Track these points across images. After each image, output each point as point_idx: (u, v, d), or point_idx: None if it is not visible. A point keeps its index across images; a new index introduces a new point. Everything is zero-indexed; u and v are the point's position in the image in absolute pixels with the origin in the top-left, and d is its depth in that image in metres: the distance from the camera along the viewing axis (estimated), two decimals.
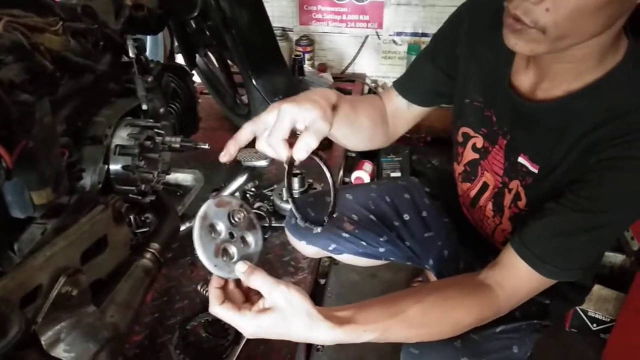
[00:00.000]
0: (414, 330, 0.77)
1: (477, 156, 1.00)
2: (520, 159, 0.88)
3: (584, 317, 1.70)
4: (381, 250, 1.21)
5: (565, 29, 0.66)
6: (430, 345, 0.84)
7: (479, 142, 0.98)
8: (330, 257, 1.33)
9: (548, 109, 0.81)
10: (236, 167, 1.56)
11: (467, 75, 0.96)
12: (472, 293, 0.81)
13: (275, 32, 1.68)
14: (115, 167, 0.91)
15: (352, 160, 2.28)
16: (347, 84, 2.43)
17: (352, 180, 2.21)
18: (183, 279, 1.29)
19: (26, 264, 0.60)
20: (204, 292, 1.00)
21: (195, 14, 1.24)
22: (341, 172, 1.95)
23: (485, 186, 1.01)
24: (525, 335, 0.98)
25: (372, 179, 2.23)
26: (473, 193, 1.05)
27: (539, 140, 0.84)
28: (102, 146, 0.87)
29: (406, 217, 1.21)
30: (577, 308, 1.70)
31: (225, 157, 0.77)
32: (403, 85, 1.04)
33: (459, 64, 0.97)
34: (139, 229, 1.03)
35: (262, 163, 1.38)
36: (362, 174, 2.22)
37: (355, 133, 0.93)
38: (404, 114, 1.05)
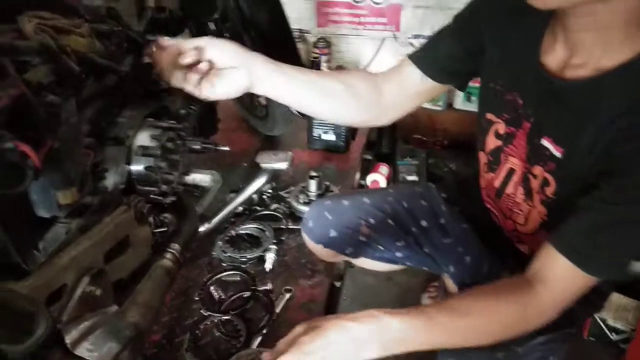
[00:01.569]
0: (459, 319, 0.76)
1: (499, 143, 0.98)
2: (544, 142, 0.85)
3: (603, 326, 1.67)
4: (398, 255, 1.20)
5: None
6: (472, 355, 0.83)
7: (501, 127, 0.96)
8: (346, 260, 1.32)
9: (577, 88, 0.79)
10: (254, 169, 1.57)
11: (491, 59, 0.94)
12: (516, 291, 0.80)
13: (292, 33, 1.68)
14: (137, 167, 0.91)
15: (369, 163, 2.27)
16: None
17: (368, 184, 2.20)
18: (201, 279, 1.30)
19: (52, 264, 0.61)
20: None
21: (216, 16, 1.24)
22: (357, 175, 1.94)
23: (511, 172, 0.98)
24: (559, 345, 0.96)
25: (388, 182, 2.22)
26: (497, 183, 1.02)
27: (565, 122, 0.82)
28: (124, 147, 0.88)
29: (424, 223, 1.20)
30: (597, 317, 1.67)
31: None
32: (419, 56, 1.01)
33: (483, 47, 0.95)
34: (157, 229, 1.04)
35: (281, 165, 1.38)
36: (378, 177, 2.21)
37: (317, 96, 0.95)
38: (415, 86, 1.02)
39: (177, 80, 0.84)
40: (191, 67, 0.83)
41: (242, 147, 1.95)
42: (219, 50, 0.85)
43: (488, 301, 0.79)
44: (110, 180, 0.86)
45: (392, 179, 2.29)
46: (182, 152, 1.03)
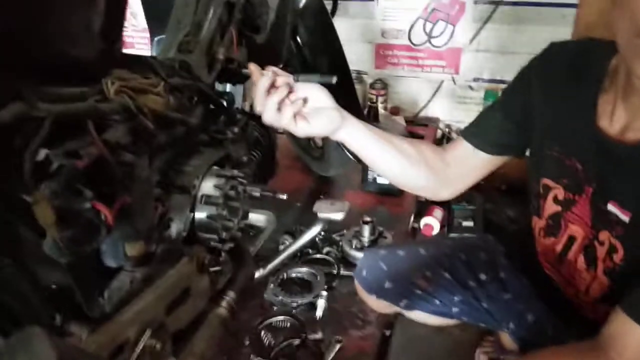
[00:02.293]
0: None
1: (559, 208, 0.95)
2: (610, 207, 0.83)
3: None
4: (455, 309, 1.17)
5: None
6: None
7: (560, 193, 0.94)
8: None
9: None
10: (308, 209, 1.57)
11: (545, 126, 0.94)
12: (591, 357, 0.78)
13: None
14: (199, 215, 0.93)
15: (422, 205, 2.23)
16: (419, 127, 2.40)
17: (421, 227, 2.15)
18: (251, 322, 1.30)
19: (116, 319, 0.62)
20: None
21: (281, 65, 1.28)
22: (412, 218, 1.91)
23: (572, 239, 0.95)
24: None
25: (442, 227, 2.16)
26: (559, 248, 0.99)
27: (631, 185, 0.79)
28: (190, 196, 0.90)
29: (482, 277, 1.16)
30: None
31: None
32: (469, 131, 1.04)
33: (534, 114, 0.95)
34: (212, 267, 1.05)
35: (337, 216, 1.38)
36: (432, 221, 2.16)
37: (391, 154, 0.97)
38: (471, 160, 1.03)
39: (269, 113, 0.85)
40: (281, 102, 0.85)
41: (296, 186, 1.97)
42: (313, 90, 0.88)
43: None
44: (174, 227, 0.88)
45: (446, 223, 2.23)
46: (242, 199, 1.05)
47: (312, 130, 0.88)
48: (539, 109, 0.94)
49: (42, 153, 0.59)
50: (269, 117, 0.85)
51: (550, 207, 0.97)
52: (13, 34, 0.51)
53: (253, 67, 0.86)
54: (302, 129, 0.87)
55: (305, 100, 0.87)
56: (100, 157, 0.60)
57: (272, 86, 0.85)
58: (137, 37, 2.81)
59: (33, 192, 0.54)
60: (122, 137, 0.64)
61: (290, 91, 0.86)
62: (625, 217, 0.81)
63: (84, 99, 0.60)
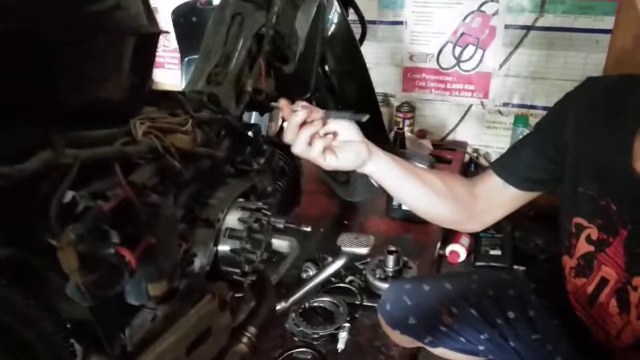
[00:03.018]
0: None
1: (591, 248, 0.92)
2: None
3: None
4: (481, 348, 1.13)
5: None
6: None
7: (594, 233, 0.90)
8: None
9: None
10: (332, 238, 1.56)
11: (579, 164, 0.91)
12: None
13: (377, 97, 1.69)
14: (223, 248, 0.93)
15: (449, 232, 2.19)
16: (447, 152, 2.37)
17: (447, 254, 2.11)
18: (272, 353, 1.28)
19: None
20: None
21: (308, 95, 1.27)
22: (438, 245, 1.88)
23: (604, 282, 0.91)
24: None
25: (469, 254, 2.12)
26: (590, 289, 0.95)
27: None
28: (214, 230, 0.89)
29: (511, 315, 1.12)
30: None
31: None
32: (500, 164, 1.03)
33: (568, 152, 0.93)
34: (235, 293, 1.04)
35: (362, 250, 1.37)
36: (459, 248, 2.12)
37: (419, 188, 0.97)
38: (500, 194, 1.02)
39: (300, 146, 0.86)
40: (312, 136, 0.86)
41: (320, 211, 1.95)
42: (343, 124, 0.89)
43: None
44: (198, 263, 0.88)
45: (473, 251, 2.18)
46: (266, 231, 1.04)
47: (339, 164, 0.89)
48: (573, 145, 0.92)
49: (69, 195, 0.60)
50: (299, 149, 0.87)
51: (583, 247, 0.94)
52: (44, 82, 0.51)
53: (283, 103, 0.87)
54: (330, 163, 0.88)
55: (334, 134, 0.88)
56: (126, 198, 0.60)
57: (305, 121, 0.85)
58: (167, 57, 2.86)
59: (58, 237, 0.54)
60: (148, 177, 0.64)
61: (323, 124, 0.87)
62: None
63: (112, 142, 0.60)
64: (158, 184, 0.66)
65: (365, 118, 0.86)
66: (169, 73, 2.89)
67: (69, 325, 0.69)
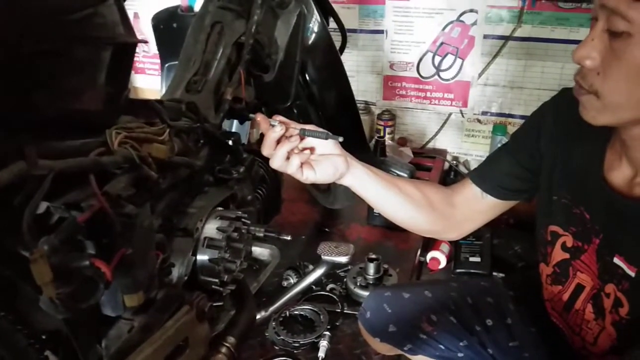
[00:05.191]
0: None
1: (567, 256, 0.94)
2: (616, 260, 0.82)
3: None
4: (460, 355, 1.14)
5: (620, 95, 0.68)
6: None
7: (569, 240, 0.93)
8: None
9: None
10: (313, 246, 1.55)
11: (554, 173, 0.93)
12: None
13: (358, 105, 1.70)
14: (202, 258, 0.92)
15: (429, 239, 2.21)
16: (427, 159, 2.39)
17: (428, 261, 2.13)
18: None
19: None
20: None
21: (289, 104, 1.28)
22: (419, 252, 1.89)
23: (580, 288, 0.93)
24: None
25: (449, 261, 2.14)
26: (566, 296, 0.97)
27: (637, 240, 0.78)
28: (192, 239, 0.89)
29: (489, 322, 1.14)
30: None
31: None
32: (477, 174, 1.04)
33: (543, 161, 0.95)
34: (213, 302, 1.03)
35: (342, 259, 1.37)
36: (439, 255, 2.13)
37: (397, 199, 0.98)
38: (478, 203, 1.03)
39: (278, 161, 0.87)
40: (290, 151, 0.87)
41: (301, 218, 1.95)
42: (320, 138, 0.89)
43: None
44: (176, 272, 0.87)
45: (453, 257, 2.20)
46: (245, 239, 1.04)
47: (318, 177, 0.89)
48: (549, 155, 0.94)
49: (43, 206, 0.59)
50: (277, 165, 0.87)
51: (559, 255, 0.96)
52: (17, 92, 0.51)
53: (260, 118, 0.87)
54: (308, 177, 0.89)
55: (312, 149, 0.89)
56: (101, 209, 0.59)
57: (283, 136, 0.86)
58: (148, 62, 2.84)
59: (31, 249, 0.53)
60: (124, 188, 0.64)
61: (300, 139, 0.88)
62: (631, 272, 0.79)
63: (87, 152, 0.60)
64: (134, 194, 0.65)
65: (340, 139, 0.87)
66: (150, 79, 2.87)
67: (44, 337, 0.68)
